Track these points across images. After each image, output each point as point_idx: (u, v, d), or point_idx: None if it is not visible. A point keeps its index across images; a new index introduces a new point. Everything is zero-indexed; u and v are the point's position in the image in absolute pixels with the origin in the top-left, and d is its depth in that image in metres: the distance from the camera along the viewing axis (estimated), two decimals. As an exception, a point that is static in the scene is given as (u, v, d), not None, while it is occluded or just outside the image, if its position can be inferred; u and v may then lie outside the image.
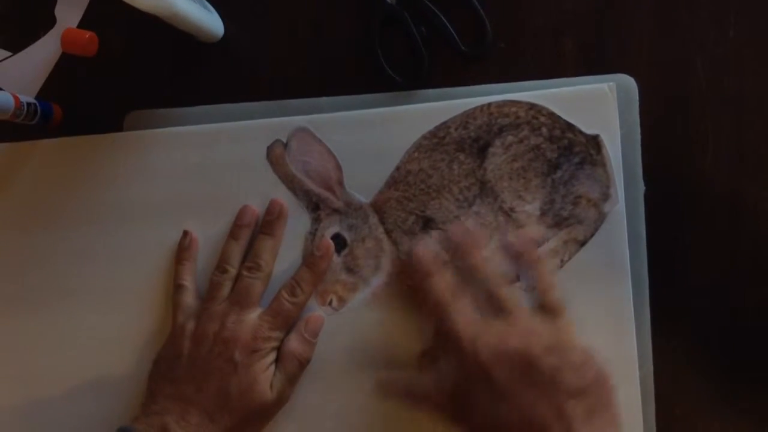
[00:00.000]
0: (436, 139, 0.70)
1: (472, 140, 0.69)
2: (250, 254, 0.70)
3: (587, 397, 0.59)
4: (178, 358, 0.67)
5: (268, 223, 0.71)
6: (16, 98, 0.69)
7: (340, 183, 0.71)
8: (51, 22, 0.76)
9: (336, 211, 0.70)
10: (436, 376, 0.64)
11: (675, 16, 0.70)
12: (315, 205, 0.71)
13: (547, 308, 0.63)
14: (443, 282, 0.65)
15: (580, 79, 0.70)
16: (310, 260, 0.70)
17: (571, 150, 0.69)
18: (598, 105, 0.69)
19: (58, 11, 0.76)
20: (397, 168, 0.70)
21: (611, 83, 0.69)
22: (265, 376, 0.67)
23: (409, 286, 0.69)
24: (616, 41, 0.70)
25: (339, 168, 0.70)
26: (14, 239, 0.74)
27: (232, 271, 0.70)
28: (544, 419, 0.59)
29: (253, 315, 0.68)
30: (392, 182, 0.70)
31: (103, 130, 0.74)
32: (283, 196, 0.71)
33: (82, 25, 0.76)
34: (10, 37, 0.77)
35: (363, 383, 0.70)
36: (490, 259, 0.66)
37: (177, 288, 0.71)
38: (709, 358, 0.69)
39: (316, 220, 0.71)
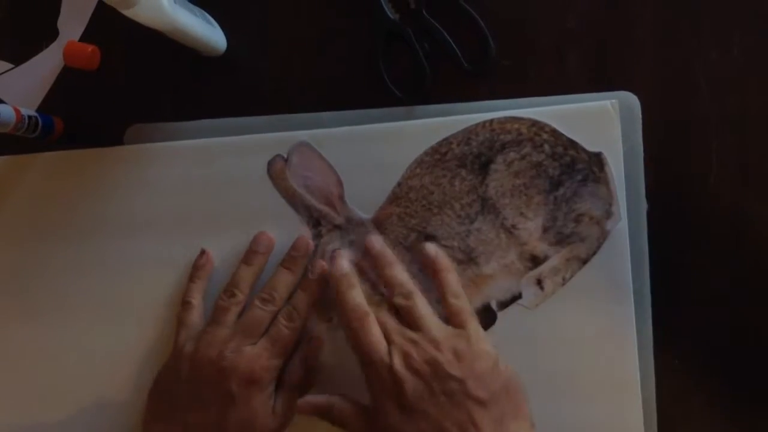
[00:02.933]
0: (438, 155, 0.70)
1: (474, 156, 0.69)
2: (266, 285, 0.69)
3: (496, 405, 0.61)
4: (177, 382, 0.67)
5: (292, 258, 0.70)
6: (17, 111, 0.69)
7: (341, 198, 0.70)
8: (53, 34, 0.76)
9: (337, 227, 0.70)
10: (353, 396, 0.65)
11: (678, 35, 0.70)
12: (316, 221, 0.70)
13: (453, 317, 0.65)
14: (361, 294, 0.66)
15: (583, 96, 0.70)
16: (305, 284, 0.70)
17: (573, 167, 0.68)
18: (601, 122, 0.68)
19: (61, 24, 0.76)
20: (399, 184, 0.70)
21: (614, 100, 0.69)
22: (265, 408, 0.66)
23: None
24: (619, 59, 0.70)
25: (340, 183, 0.70)
26: (13, 252, 0.74)
27: (240, 296, 0.69)
28: (453, 430, 0.60)
29: (253, 345, 0.67)
30: (393, 198, 0.70)
31: (105, 143, 0.74)
32: (283, 211, 0.71)
33: (84, 38, 0.76)
34: (12, 49, 0.77)
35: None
36: (403, 271, 0.68)
37: (184, 305, 0.70)
38: (713, 378, 0.69)
39: (317, 236, 0.70)
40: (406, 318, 0.65)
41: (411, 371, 0.61)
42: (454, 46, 0.71)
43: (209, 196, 0.72)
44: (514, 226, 0.69)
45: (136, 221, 0.72)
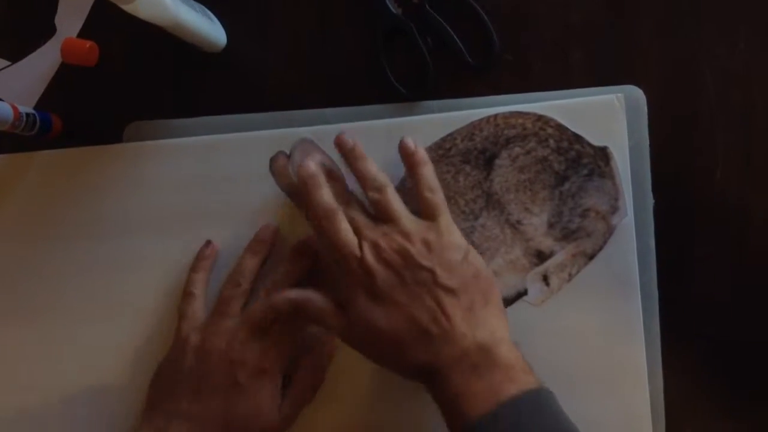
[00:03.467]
0: (442, 151, 0.69)
1: (479, 152, 0.69)
2: (272, 277, 0.69)
3: (465, 293, 0.61)
4: (180, 373, 0.66)
5: (299, 253, 0.69)
6: (14, 109, 0.68)
7: (344, 194, 0.70)
8: (51, 31, 0.75)
9: (340, 223, 0.69)
10: (326, 289, 0.65)
11: (684, 29, 0.70)
12: (318, 218, 0.70)
13: (426, 210, 0.65)
14: (329, 193, 0.65)
15: (588, 90, 0.69)
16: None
17: (579, 162, 0.68)
18: (607, 116, 0.68)
19: (58, 20, 0.75)
20: (403, 180, 0.69)
21: (619, 94, 0.68)
22: (272, 400, 0.66)
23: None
24: (624, 53, 0.70)
25: (342, 180, 0.69)
26: (12, 250, 0.73)
27: (245, 286, 0.68)
28: (424, 317, 0.61)
29: (262, 337, 0.66)
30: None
31: (104, 141, 0.73)
32: (285, 207, 0.70)
33: (82, 34, 0.75)
34: (9, 46, 0.76)
35: (368, 399, 0.70)
36: (375, 165, 0.67)
37: (186, 296, 0.69)
38: (721, 373, 0.69)
39: (320, 233, 0.70)
40: (378, 211, 0.65)
41: (381, 262, 0.62)
42: (458, 40, 0.70)
43: (210, 193, 0.71)
44: (519, 222, 0.68)
45: (136, 220, 0.72)
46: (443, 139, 0.69)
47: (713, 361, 0.69)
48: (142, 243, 0.71)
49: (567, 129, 0.68)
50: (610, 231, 0.68)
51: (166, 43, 0.71)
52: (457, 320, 0.60)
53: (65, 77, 0.75)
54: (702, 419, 0.69)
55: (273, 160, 0.70)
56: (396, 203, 0.65)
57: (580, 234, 0.68)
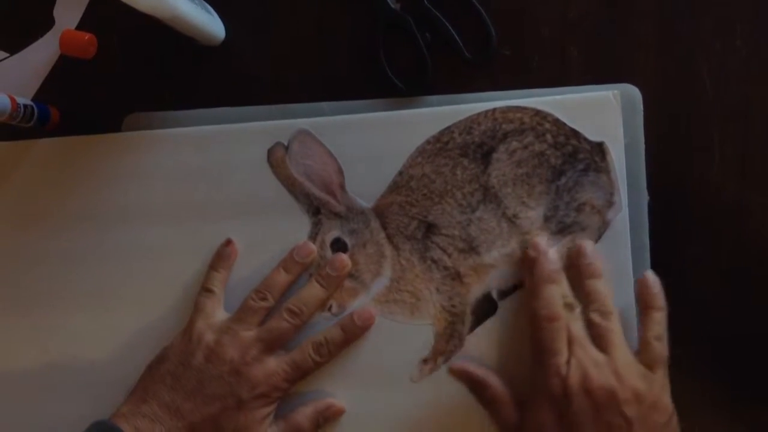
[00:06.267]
0: (440, 144, 0.69)
1: (476, 145, 0.69)
2: (296, 296, 0.68)
3: None
4: (186, 368, 0.66)
5: (328, 276, 0.69)
6: (12, 100, 0.68)
7: (342, 187, 0.70)
8: (49, 23, 0.75)
9: (337, 215, 0.70)
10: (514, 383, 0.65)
11: (680, 26, 0.70)
12: (316, 209, 0.70)
13: (647, 357, 0.63)
14: (559, 294, 0.64)
15: (584, 87, 0.70)
16: (348, 326, 0.69)
17: (575, 157, 0.68)
18: (603, 112, 0.68)
19: (57, 12, 0.75)
20: (400, 172, 0.69)
21: (615, 91, 0.68)
22: (261, 424, 0.66)
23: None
24: (621, 50, 0.70)
25: (340, 171, 0.70)
26: (9, 239, 0.73)
27: (271, 301, 0.68)
28: None
29: (274, 359, 0.67)
30: (395, 187, 0.69)
31: (102, 133, 0.73)
32: (283, 199, 0.70)
33: (80, 26, 0.75)
34: (8, 37, 0.76)
35: (358, 390, 0.69)
36: (608, 287, 0.65)
37: (205, 291, 0.69)
38: (714, 372, 0.69)
39: (317, 224, 0.70)
40: (596, 336, 0.63)
41: (584, 391, 0.60)
42: (456, 35, 0.70)
43: (208, 184, 0.71)
44: (515, 216, 0.68)
45: (134, 209, 0.72)
46: (441, 133, 0.69)
47: (707, 358, 0.69)
48: (140, 232, 0.71)
49: (564, 124, 0.68)
50: (605, 225, 0.68)
51: (164, 36, 0.71)
52: None
53: (63, 69, 0.75)
54: (696, 418, 0.68)
55: (271, 152, 0.70)
56: (618, 336, 0.63)
57: (575, 228, 0.68)
